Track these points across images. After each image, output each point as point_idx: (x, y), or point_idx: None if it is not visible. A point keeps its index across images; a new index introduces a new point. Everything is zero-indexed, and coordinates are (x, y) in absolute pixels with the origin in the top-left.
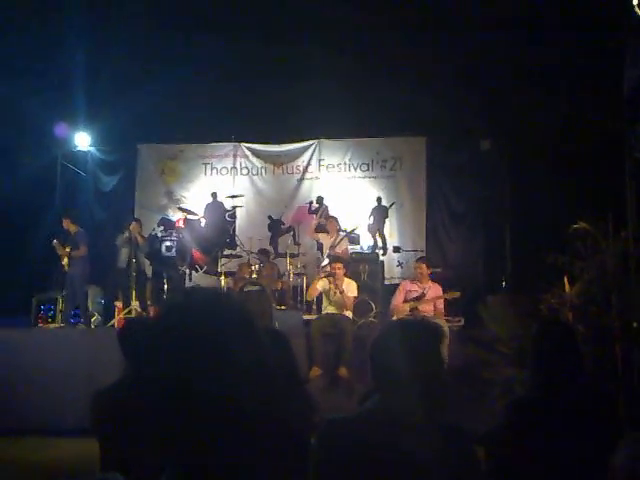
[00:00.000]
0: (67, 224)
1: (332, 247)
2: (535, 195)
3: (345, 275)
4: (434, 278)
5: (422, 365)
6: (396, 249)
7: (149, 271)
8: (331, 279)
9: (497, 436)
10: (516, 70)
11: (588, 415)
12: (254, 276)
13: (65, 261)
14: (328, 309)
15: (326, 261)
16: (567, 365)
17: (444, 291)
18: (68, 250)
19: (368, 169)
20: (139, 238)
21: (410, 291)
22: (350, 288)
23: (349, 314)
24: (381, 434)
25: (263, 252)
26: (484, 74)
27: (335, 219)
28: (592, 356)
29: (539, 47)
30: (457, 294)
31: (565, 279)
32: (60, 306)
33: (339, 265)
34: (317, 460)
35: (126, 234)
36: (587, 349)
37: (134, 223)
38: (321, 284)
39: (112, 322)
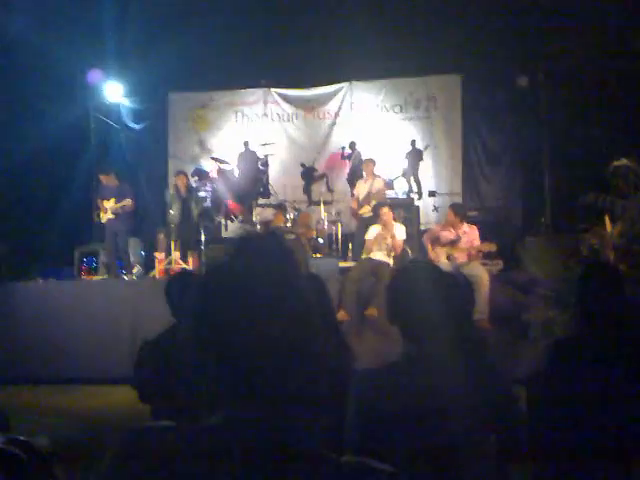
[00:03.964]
0: (107, 179)
1: (369, 192)
2: (574, 133)
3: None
4: (470, 220)
5: (440, 310)
6: (431, 193)
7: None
8: (381, 224)
9: (539, 376)
10: (554, 2)
11: (632, 356)
12: (289, 225)
13: (108, 214)
14: (376, 255)
15: (368, 208)
16: (611, 306)
17: (481, 239)
18: (114, 204)
19: (401, 110)
20: (183, 190)
21: (444, 236)
22: (399, 232)
23: (390, 260)
24: (416, 380)
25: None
26: (520, 7)
27: (372, 161)
28: (635, 296)
29: None
30: (494, 247)
31: (606, 218)
32: (102, 258)
33: (386, 209)
34: (355, 410)
35: (172, 189)
36: (630, 289)
37: (181, 175)
38: (373, 231)
39: (153, 273)
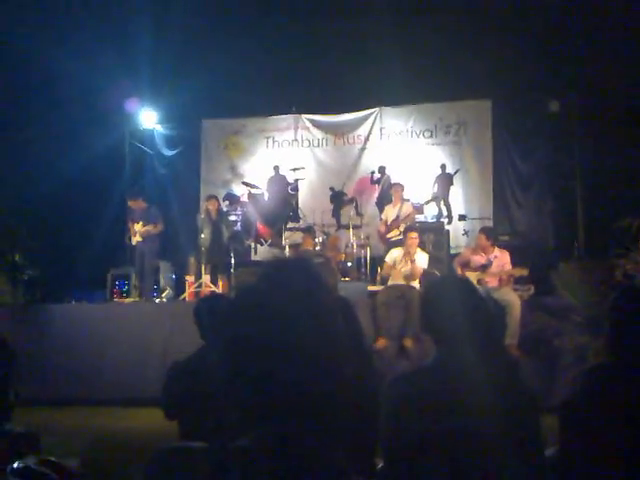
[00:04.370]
0: (136, 203)
1: (398, 217)
2: (606, 157)
3: (418, 246)
4: (501, 245)
5: (470, 317)
6: (462, 217)
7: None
8: (404, 248)
9: (572, 405)
10: (585, 28)
11: None
12: (318, 248)
13: (137, 237)
14: (396, 280)
15: (396, 232)
16: None
17: (512, 264)
18: (142, 227)
19: (431, 136)
20: (214, 214)
21: (475, 261)
22: (421, 259)
23: (416, 285)
24: (441, 386)
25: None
26: (551, 32)
27: (400, 185)
28: None
29: (608, 5)
30: (525, 271)
31: None
32: (134, 281)
33: (414, 235)
34: (385, 415)
35: (203, 214)
36: None
37: (212, 200)
38: (393, 254)
39: (183, 296)
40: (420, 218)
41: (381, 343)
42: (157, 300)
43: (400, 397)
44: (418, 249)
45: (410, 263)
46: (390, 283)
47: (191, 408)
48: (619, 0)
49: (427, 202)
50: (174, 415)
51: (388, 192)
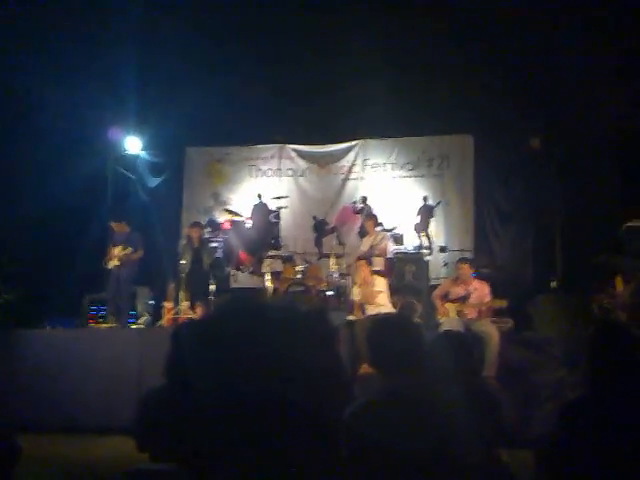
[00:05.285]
0: (119, 227)
1: (372, 247)
2: (586, 193)
3: (376, 273)
4: (481, 277)
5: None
6: (442, 249)
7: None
8: (356, 277)
9: (547, 439)
10: (567, 67)
11: None
12: (299, 276)
13: (114, 261)
14: (370, 308)
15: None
16: (621, 367)
17: (492, 296)
18: (121, 251)
19: (414, 168)
20: (196, 241)
21: (454, 292)
22: (378, 283)
23: (379, 309)
24: (399, 414)
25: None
26: (533, 70)
27: (374, 217)
28: None
29: (590, 45)
30: (504, 303)
31: (618, 279)
32: (110, 307)
33: (360, 262)
34: (347, 440)
35: (184, 240)
36: None
37: (195, 227)
38: (355, 290)
39: (160, 322)
40: (401, 249)
41: (364, 369)
42: (133, 326)
43: (361, 428)
44: (374, 275)
45: (364, 289)
46: (368, 313)
47: (162, 438)
48: (599, 40)
49: (393, 229)
50: (146, 446)
51: (365, 223)
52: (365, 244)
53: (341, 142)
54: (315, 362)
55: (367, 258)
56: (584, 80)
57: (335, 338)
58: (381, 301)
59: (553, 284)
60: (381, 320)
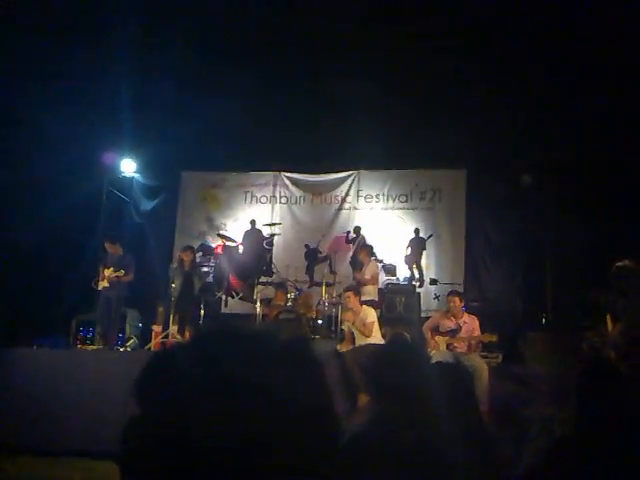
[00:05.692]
0: (113, 248)
1: (372, 277)
2: (577, 231)
3: (367, 303)
4: (470, 310)
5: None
6: (433, 281)
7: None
8: (344, 309)
9: (536, 476)
10: (558, 105)
11: (630, 458)
12: (289, 304)
13: (104, 282)
14: (359, 339)
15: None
16: (609, 405)
17: (482, 330)
18: (112, 272)
19: (407, 200)
20: (187, 265)
21: (444, 325)
22: (367, 312)
23: (372, 340)
24: (391, 438)
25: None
26: (526, 108)
27: (368, 247)
28: (634, 396)
29: (581, 83)
30: (494, 338)
31: (607, 317)
32: (98, 328)
33: (348, 294)
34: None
35: (176, 263)
36: (630, 390)
37: (187, 251)
38: (345, 318)
39: (149, 345)
40: (392, 280)
41: (362, 399)
42: (121, 349)
43: (358, 454)
44: (364, 305)
45: (354, 319)
46: (358, 343)
47: (146, 466)
48: (591, 79)
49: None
50: (131, 475)
51: (359, 253)
52: (367, 273)
53: (336, 172)
54: (295, 394)
55: (354, 289)
56: (576, 120)
57: (320, 368)
58: (371, 332)
59: (543, 321)
60: (386, 349)
